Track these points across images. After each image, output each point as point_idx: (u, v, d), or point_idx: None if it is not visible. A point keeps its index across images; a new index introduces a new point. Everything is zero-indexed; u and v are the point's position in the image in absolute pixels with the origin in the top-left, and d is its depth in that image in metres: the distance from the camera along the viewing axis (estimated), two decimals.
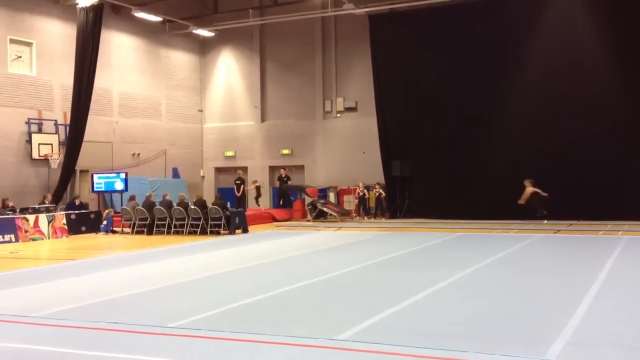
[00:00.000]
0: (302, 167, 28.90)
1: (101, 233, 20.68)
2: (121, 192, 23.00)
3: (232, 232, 19.63)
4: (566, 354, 5.92)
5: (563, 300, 8.41)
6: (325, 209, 24.35)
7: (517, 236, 17.19)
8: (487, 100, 22.70)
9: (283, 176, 27.00)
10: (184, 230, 19.84)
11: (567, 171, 21.24)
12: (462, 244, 15.96)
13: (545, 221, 20.22)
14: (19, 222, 18.64)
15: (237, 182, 26.21)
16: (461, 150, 23.14)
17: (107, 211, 21.89)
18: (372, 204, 25.37)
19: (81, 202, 22.17)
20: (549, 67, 21.76)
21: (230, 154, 30.43)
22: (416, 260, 13.02)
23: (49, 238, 19.30)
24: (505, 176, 21.94)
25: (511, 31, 22.29)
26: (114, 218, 21.46)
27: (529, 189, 20.70)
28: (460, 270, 10.96)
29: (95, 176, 23.10)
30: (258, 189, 26.85)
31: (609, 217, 19.94)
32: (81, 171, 24.25)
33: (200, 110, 30.80)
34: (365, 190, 25.14)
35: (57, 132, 23.45)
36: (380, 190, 24.80)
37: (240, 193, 25.83)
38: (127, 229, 20.80)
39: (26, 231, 18.74)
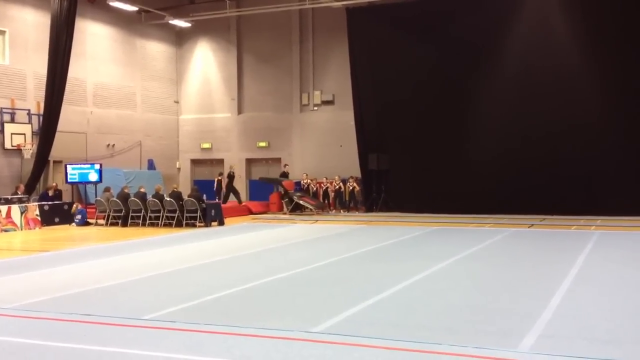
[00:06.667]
0: (278, 160, 28.83)
1: (74, 224, 20.45)
2: (95, 183, 22.73)
3: (208, 225, 19.54)
4: (539, 346, 5.98)
5: (536, 294, 8.50)
6: (301, 202, 24.36)
7: (492, 230, 17.33)
8: (464, 95, 22.83)
9: (231, 173, 26.23)
10: (159, 222, 19.71)
11: (541, 166, 21.51)
12: (437, 237, 16.06)
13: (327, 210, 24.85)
14: None
15: (219, 177, 26.08)
16: (437, 145, 23.23)
17: (75, 205, 21.49)
18: (347, 197, 25.44)
19: (56, 190, 21.87)
20: (526, 63, 21.89)
21: (206, 145, 30.26)
22: (391, 254, 13.07)
23: (21, 229, 19.06)
24: (480, 171, 22.20)
25: (489, 26, 22.38)
26: (88, 210, 21.19)
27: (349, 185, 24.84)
28: (435, 264, 11.04)
29: (69, 167, 22.77)
30: (220, 182, 26.35)
31: (582, 212, 20.20)
32: (54, 162, 23.92)
33: (176, 102, 30.56)
34: (341, 184, 25.20)
35: (30, 121, 23.14)
36: (354, 184, 24.90)
37: (223, 187, 25.63)
38: (101, 221, 20.61)
39: None
